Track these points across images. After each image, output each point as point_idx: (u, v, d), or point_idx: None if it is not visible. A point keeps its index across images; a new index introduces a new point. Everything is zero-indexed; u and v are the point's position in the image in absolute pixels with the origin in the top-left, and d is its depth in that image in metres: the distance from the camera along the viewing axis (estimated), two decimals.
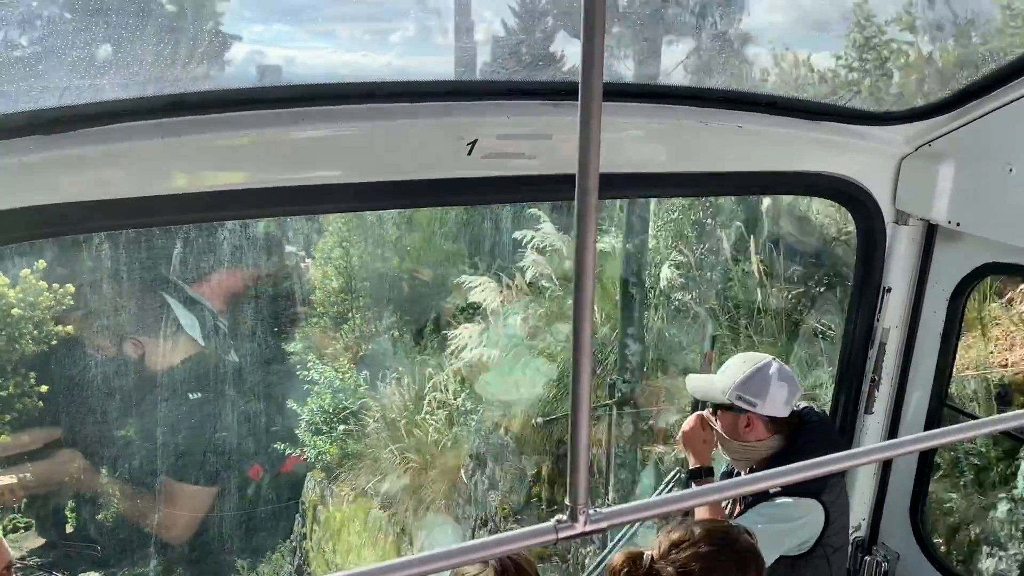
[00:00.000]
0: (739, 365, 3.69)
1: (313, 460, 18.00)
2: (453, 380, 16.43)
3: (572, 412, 1.36)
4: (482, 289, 15.82)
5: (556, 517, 1.36)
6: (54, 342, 14.30)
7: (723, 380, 3.70)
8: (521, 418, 14.28)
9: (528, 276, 15.08)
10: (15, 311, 13.86)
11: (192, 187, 2.81)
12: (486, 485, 14.56)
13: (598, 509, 1.39)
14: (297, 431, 18.42)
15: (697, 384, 3.93)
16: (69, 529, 17.32)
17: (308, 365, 19.24)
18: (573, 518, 1.35)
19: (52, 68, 2.60)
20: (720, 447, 3.79)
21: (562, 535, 1.34)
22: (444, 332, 17.04)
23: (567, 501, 1.38)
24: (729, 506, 3.75)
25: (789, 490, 3.44)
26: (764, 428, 3.63)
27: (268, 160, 2.89)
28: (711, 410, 3.78)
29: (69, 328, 13.97)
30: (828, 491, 3.52)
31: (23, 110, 2.55)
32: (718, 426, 3.72)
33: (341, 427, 17.84)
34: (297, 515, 18.54)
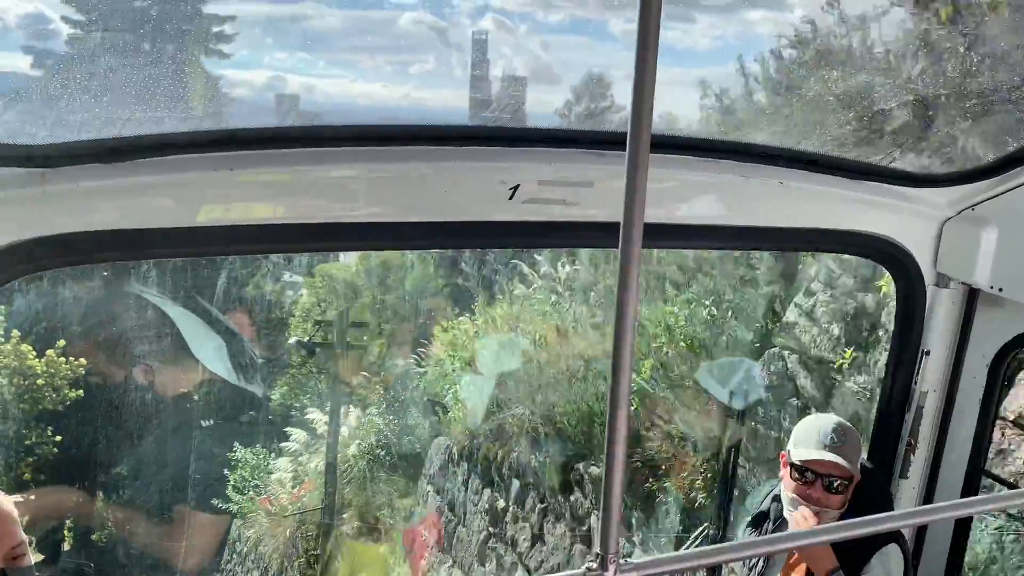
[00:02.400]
0: (843, 427, 3.57)
1: None
2: None
3: (607, 458, 1.37)
4: None
5: (586, 565, 1.36)
6: (68, 403, 19.13)
7: (850, 449, 3.50)
8: None
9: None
10: (39, 381, 18.74)
11: (241, 219, 2.88)
12: None
13: (628, 559, 1.39)
14: None
15: (838, 461, 3.47)
16: (65, 547, 20.32)
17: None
18: (603, 567, 1.35)
19: (116, 101, 2.70)
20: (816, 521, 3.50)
21: None
22: None
23: (597, 549, 1.38)
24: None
25: (878, 537, 3.39)
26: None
27: (315, 196, 2.96)
28: (822, 490, 3.47)
29: (80, 392, 19.20)
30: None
31: (85, 139, 2.65)
32: (834, 503, 3.48)
33: None
34: None
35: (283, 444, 21.45)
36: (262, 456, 21.32)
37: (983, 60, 2.97)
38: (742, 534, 4.23)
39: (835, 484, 3.47)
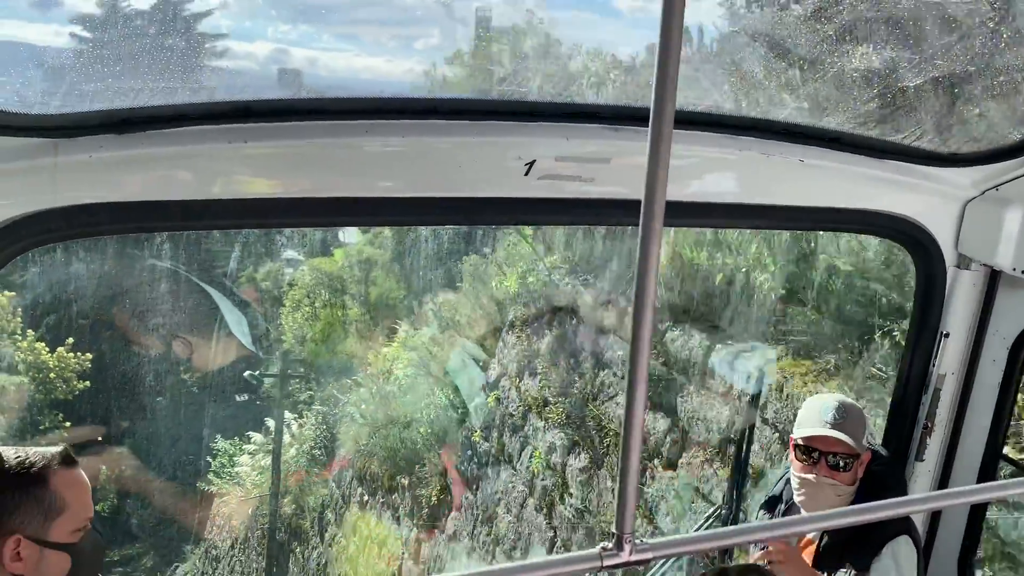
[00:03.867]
0: (845, 404, 3.56)
1: None
2: None
3: (623, 439, 1.35)
4: None
5: (601, 544, 1.34)
6: (76, 392, 22.20)
7: (853, 426, 3.47)
8: None
9: None
10: (51, 375, 21.65)
11: (254, 192, 2.86)
12: None
13: (644, 539, 1.37)
14: None
15: (840, 437, 3.45)
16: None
17: None
18: (619, 547, 1.33)
19: (128, 71, 2.68)
20: (820, 503, 3.46)
21: (607, 563, 1.32)
22: None
23: (613, 529, 1.36)
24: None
25: (893, 526, 3.36)
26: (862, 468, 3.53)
27: (329, 170, 2.93)
28: (827, 468, 3.45)
29: (87, 383, 22.14)
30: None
31: (98, 109, 2.63)
32: (843, 480, 3.46)
33: None
34: None
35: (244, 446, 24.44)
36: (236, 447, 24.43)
37: (1014, 35, 2.89)
38: (756, 517, 4.22)
39: (840, 462, 3.45)
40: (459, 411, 16.99)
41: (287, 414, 23.71)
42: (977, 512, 4.21)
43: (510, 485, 14.90)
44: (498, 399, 15.97)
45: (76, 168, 2.58)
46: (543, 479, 14.18)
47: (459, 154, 3.05)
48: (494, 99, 3.28)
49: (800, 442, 3.53)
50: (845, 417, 3.49)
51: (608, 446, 13.36)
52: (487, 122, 3.12)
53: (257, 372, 24.72)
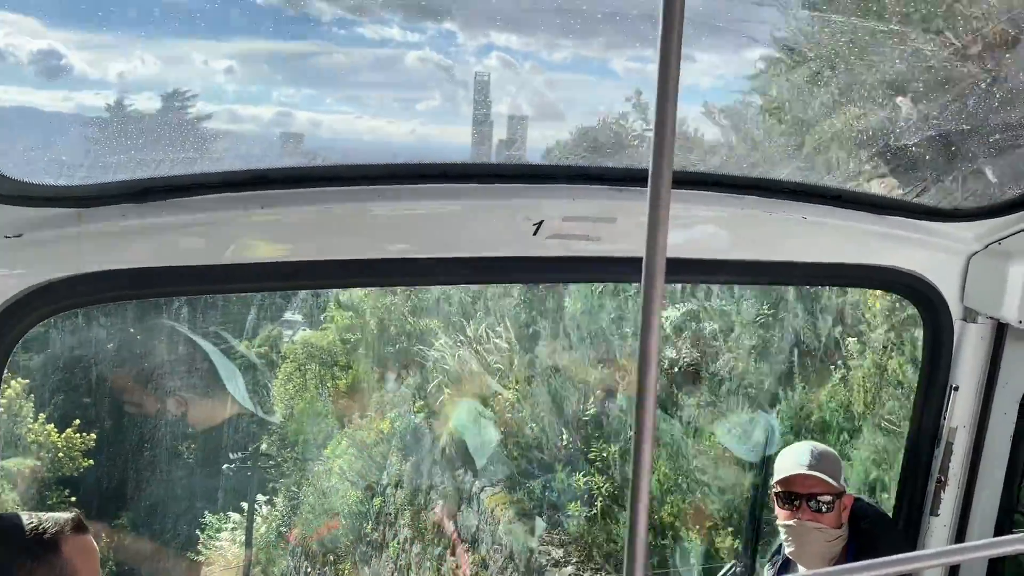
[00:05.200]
0: (818, 448, 3.59)
1: None
2: None
3: (631, 491, 1.37)
4: None
5: None
6: (82, 470, 23.05)
7: (828, 466, 3.51)
8: None
9: None
10: (59, 454, 22.69)
11: (269, 257, 2.94)
12: None
13: None
14: None
15: (818, 476, 3.50)
16: None
17: None
18: None
19: (150, 143, 2.78)
20: (809, 549, 3.51)
21: None
22: None
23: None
24: None
25: None
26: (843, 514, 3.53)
27: (342, 233, 3.01)
28: (810, 512, 3.47)
29: (91, 461, 23.12)
30: None
31: (120, 180, 2.73)
32: (827, 522, 3.48)
33: None
34: None
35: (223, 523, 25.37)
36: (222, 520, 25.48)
37: (1007, 95, 2.98)
38: (764, 570, 4.19)
39: (821, 505, 3.44)
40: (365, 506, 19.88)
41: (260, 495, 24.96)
42: (996, 567, 4.16)
43: None
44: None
45: (99, 236, 2.67)
46: None
47: (469, 216, 3.13)
48: (501, 163, 3.38)
49: (779, 489, 3.54)
50: (820, 459, 3.52)
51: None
52: (495, 185, 3.21)
53: (242, 451, 25.71)
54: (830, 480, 3.45)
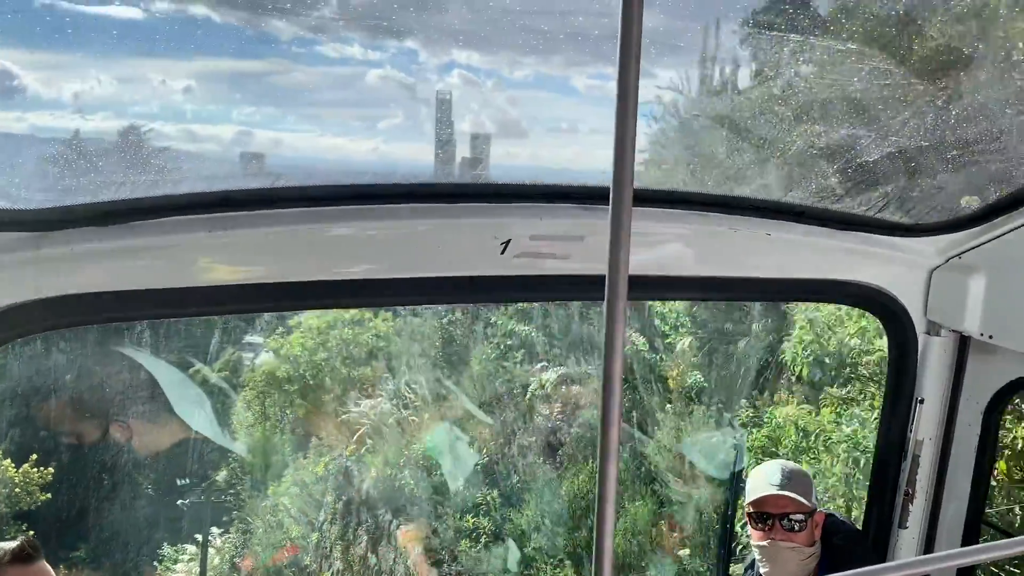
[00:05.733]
0: (788, 467, 3.61)
1: None
2: None
3: (597, 513, 1.37)
4: None
5: None
6: (39, 504, 23.09)
7: (799, 485, 3.53)
8: None
9: None
10: (17, 490, 22.82)
11: (234, 279, 2.91)
12: None
13: None
14: None
15: (790, 496, 3.53)
16: None
17: None
18: None
19: (111, 165, 2.74)
20: (783, 569, 3.52)
21: None
22: None
23: None
24: None
25: None
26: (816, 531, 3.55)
27: (308, 255, 2.99)
28: (783, 531, 3.49)
29: (49, 495, 23.03)
30: None
31: (81, 203, 2.68)
32: (800, 541, 3.50)
33: None
34: None
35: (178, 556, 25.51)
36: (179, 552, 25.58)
37: (963, 112, 3.03)
38: None
39: (794, 524, 3.45)
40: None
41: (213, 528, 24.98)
42: None
43: None
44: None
45: (59, 260, 2.62)
46: None
47: (436, 235, 3.12)
48: (468, 182, 3.38)
49: (752, 510, 3.54)
50: (791, 478, 3.54)
51: None
52: (462, 204, 3.21)
53: (200, 481, 25.67)
54: (802, 499, 3.46)
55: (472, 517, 18.46)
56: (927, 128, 3.07)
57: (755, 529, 3.55)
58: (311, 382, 23.17)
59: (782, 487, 3.49)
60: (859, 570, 1.92)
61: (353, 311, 23.75)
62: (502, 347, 20.83)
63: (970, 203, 3.71)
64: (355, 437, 21.30)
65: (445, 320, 22.79)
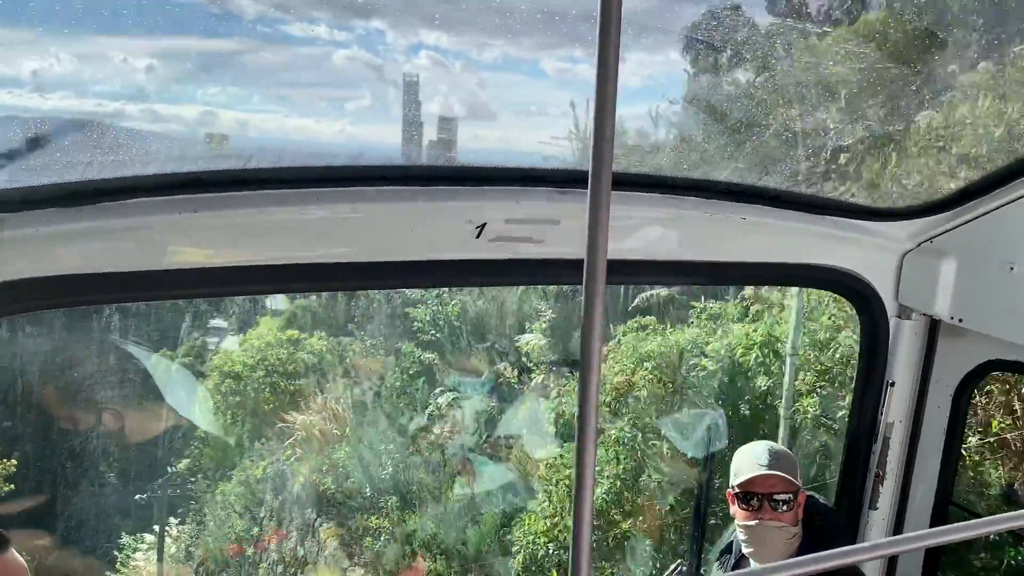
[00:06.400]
0: (775, 447, 3.62)
1: None
2: None
3: (575, 502, 1.36)
4: None
5: None
6: (2, 495, 22.67)
7: (786, 465, 3.54)
8: None
9: None
10: None
11: (205, 262, 2.86)
12: None
13: None
14: None
15: (779, 475, 3.53)
16: None
17: None
18: None
19: (77, 144, 2.68)
20: (770, 549, 3.51)
21: None
22: None
23: None
24: None
25: None
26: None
27: (281, 238, 2.94)
28: (771, 511, 3.49)
29: (12, 486, 22.63)
30: None
31: (46, 183, 2.62)
32: (787, 520, 3.51)
33: None
34: None
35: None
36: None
37: (934, 97, 3.05)
38: (713, 567, 4.22)
39: (781, 502, 3.48)
40: None
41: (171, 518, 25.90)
42: (931, 557, 4.26)
43: None
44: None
45: (24, 242, 2.56)
46: None
47: (411, 219, 3.09)
48: (443, 165, 3.34)
49: (739, 490, 3.56)
50: (778, 458, 3.55)
51: None
52: (437, 187, 3.18)
53: (161, 473, 26.18)
54: (790, 478, 3.48)
55: (376, 518, 22.40)
56: (900, 112, 3.09)
57: (742, 509, 3.55)
58: (252, 395, 26.01)
59: (770, 467, 3.50)
60: (832, 551, 1.93)
61: (292, 331, 27.18)
62: (410, 372, 24.97)
63: (942, 188, 3.74)
64: (288, 444, 24.74)
65: (368, 344, 26.57)
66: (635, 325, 19.66)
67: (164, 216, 2.74)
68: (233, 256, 2.91)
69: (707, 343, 17.68)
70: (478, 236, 3.15)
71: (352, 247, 3.05)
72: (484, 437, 22.41)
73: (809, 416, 14.87)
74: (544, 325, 24.39)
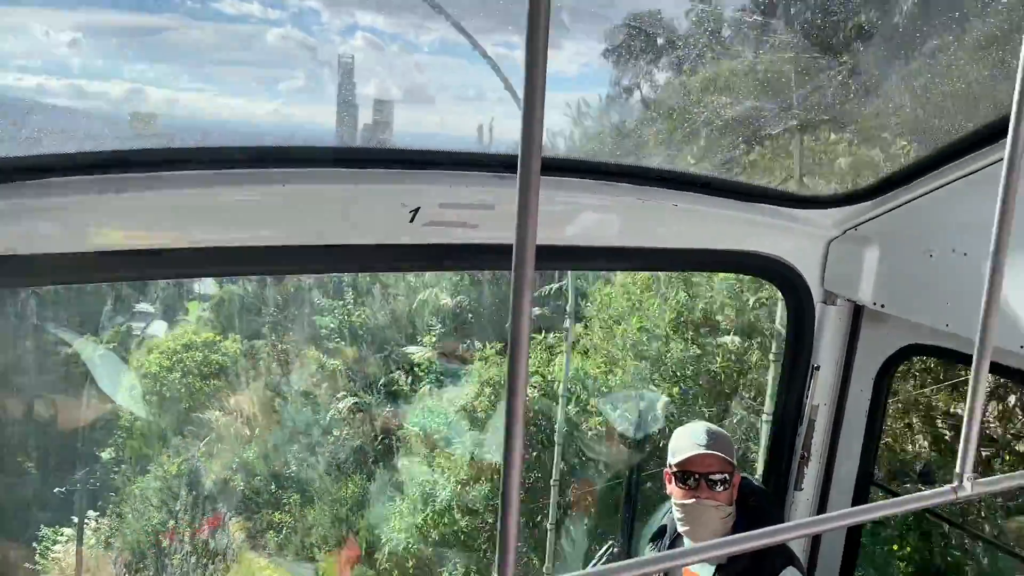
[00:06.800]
0: (712, 428, 3.69)
1: None
2: None
3: (503, 486, 1.36)
4: None
5: None
6: None
7: (723, 445, 3.59)
8: None
9: None
10: None
11: (126, 244, 2.76)
12: None
13: None
14: None
15: (717, 455, 3.58)
16: None
17: None
18: None
19: None
20: (705, 528, 3.56)
21: None
22: None
23: (495, 573, 1.36)
24: None
25: (778, 560, 3.46)
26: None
27: (208, 220, 2.86)
28: (707, 490, 3.54)
29: None
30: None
31: None
32: (723, 500, 3.56)
33: None
34: None
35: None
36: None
37: (860, 89, 3.12)
38: (644, 549, 4.29)
39: (717, 481, 3.55)
40: None
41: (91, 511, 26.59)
42: (853, 535, 4.40)
43: None
44: None
45: None
46: None
47: (343, 202, 3.04)
48: (377, 147, 3.30)
49: (677, 469, 3.62)
50: (716, 438, 3.62)
51: None
52: (371, 170, 3.13)
53: (83, 465, 26.57)
54: (726, 458, 3.55)
55: (278, 513, 24.88)
56: (827, 103, 3.16)
57: (679, 488, 3.61)
58: (167, 396, 27.40)
59: (708, 447, 3.56)
60: (761, 530, 1.97)
61: (207, 333, 28.81)
62: (315, 378, 26.96)
63: (867, 176, 3.83)
64: (203, 443, 26.37)
65: (280, 348, 28.36)
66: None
67: (86, 196, 2.64)
68: (159, 238, 2.82)
69: (535, 372, 20.72)
70: (412, 220, 3.11)
71: (282, 230, 2.98)
72: (380, 439, 25.17)
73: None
74: (433, 339, 26.53)
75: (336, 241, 3.07)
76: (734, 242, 3.91)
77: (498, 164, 3.30)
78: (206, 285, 31.15)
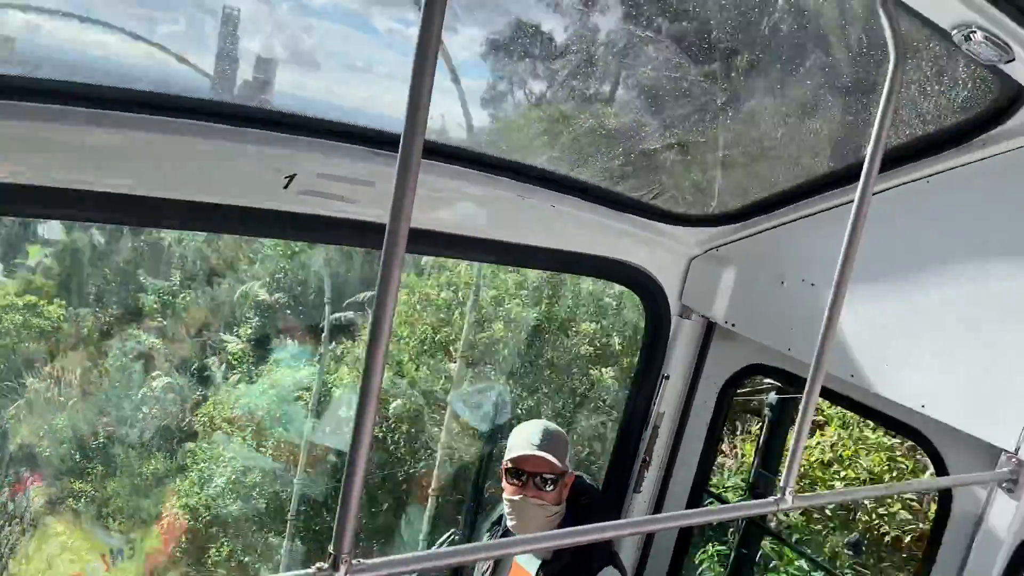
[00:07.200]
0: (550, 429, 3.74)
1: None
2: None
3: (348, 460, 1.35)
4: None
5: (317, 565, 1.34)
6: None
7: (556, 447, 3.65)
8: None
9: None
10: None
11: None
12: None
13: (363, 560, 1.38)
14: None
15: (546, 458, 3.63)
16: None
17: None
18: (335, 567, 1.32)
19: None
20: (529, 524, 3.64)
21: None
22: None
23: (330, 549, 1.35)
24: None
25: (599, 560, 3.55)
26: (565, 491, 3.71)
27: (65, 158, 2.68)
28: (535, 488, 3.61)
29: None
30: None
31: None
32: (548, 500, 3.62)
33: None
34: None
35: None
36: None
37: (736, 114, 3.26)
38: (484, 537, 4.35)
39: (545, 480, 3.65)
40: None
41: None
42: (683, 537, 4.61)
43: None
44: None
45: None
46: None
47: (214, 158, 2.92)
48: (257, 107, 3.18)
49: (510, 465, 3.70)
50: (550, 440, 3.71)
51: None
52: (248, 129, 3.02)
53: None
54: (556, 461, 3.63)
55: (79, 482, 25.43)
56: (705, 124, 3.28)
57: (509, 484, 3.68)
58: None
59: (541, 447, 3.64)
60: (592, 525, 2.04)
61: (31, 296, 28.16)
62: (132, 354, 27.10)
63: (733, 201, 4.02)
64: (13, 407, 26.43)
65: (101, 320, 28.23)
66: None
67: None
68: (8, 171, 2.62)
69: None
70: (286, 187, 3.03)
71: (146, 179, 2.83)
72: (187, 420, 25.87)
73: None
74: (248, 330, 27.29)
75: (203, 198, 2.94)
76: (604, 249, 4.02)
77: (381, 140, 3.25)
78: (52, 229, 29.39)
